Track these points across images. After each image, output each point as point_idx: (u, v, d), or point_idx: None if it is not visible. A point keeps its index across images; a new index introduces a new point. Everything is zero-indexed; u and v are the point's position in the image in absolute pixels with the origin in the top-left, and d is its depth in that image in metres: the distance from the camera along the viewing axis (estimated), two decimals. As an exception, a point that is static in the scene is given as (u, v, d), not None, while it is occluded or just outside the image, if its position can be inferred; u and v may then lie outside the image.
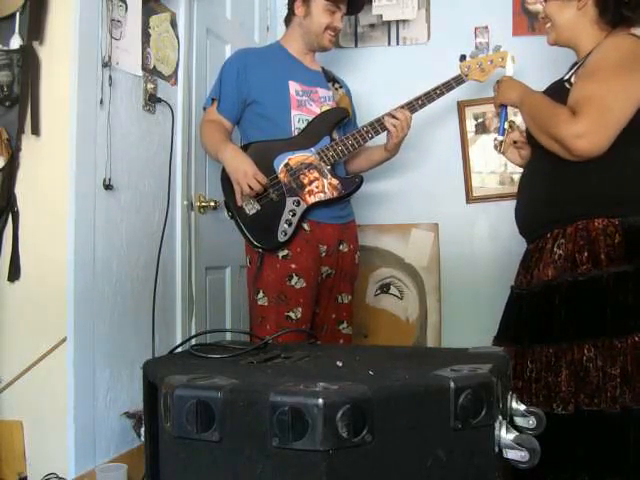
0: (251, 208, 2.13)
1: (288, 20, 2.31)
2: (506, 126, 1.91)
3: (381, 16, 3.01)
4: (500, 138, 1.91)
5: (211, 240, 2.57)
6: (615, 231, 1.58)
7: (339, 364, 1.18)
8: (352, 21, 3.07)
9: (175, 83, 2.37)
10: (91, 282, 1.92)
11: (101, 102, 1.95)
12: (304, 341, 1.80)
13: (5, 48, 1.82)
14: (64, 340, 1.86)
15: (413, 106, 2.19)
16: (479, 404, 1.01)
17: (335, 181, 2.17)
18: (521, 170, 1.91)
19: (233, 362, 1.25)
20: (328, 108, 2.24)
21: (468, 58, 2.25)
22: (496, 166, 2.90)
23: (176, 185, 2.37)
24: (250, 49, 2.36)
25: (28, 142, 1.86)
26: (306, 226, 2.16)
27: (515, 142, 1.92)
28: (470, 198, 2.95)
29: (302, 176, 2.14)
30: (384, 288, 3.00)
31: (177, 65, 2.37)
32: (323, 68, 2.35)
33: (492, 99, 1.97)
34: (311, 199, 2.14)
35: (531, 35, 2.80)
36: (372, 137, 2.21)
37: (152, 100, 2.21)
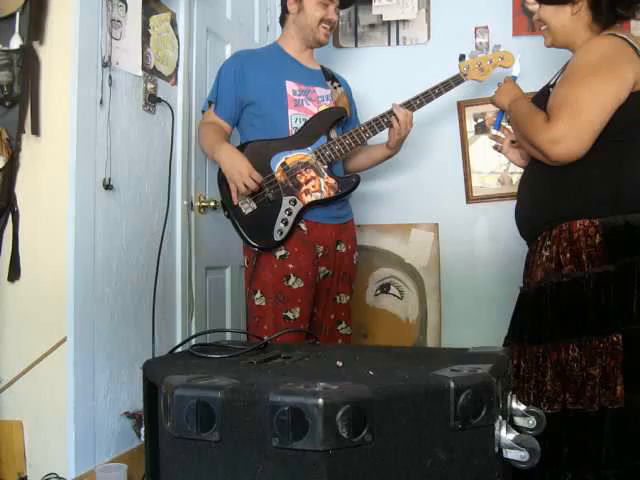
0: (247, 207, 2.13)
1: (283, 19, 2.32)
2: (503, 122, 1.93)
3: (381, 16, 3.01)
4: (494, 132, 1.93)
5: (211, 240, 2.57)
6: (596, 232, 1.59)
7: (339, 364, 1.18)
8: (352, 21, 3.07)
9: (175, 83, 2.37)
10: (91, 282, 1.92)
11: (101, 102, 1.95)
12: (304, 341, 1.80)
13: (5, 48, 1.82)
14: (64, 340, 1.85)
15: (411, 105, 2.19)
16: (479, 404, 1.01)
17: (332, 180, 2.17)
18: (521, 170, 1.92)
19: (233, 362, 1.25)
20: (326, 107, 2.24)
21: (467, 58, 2.25)
22: (496, 166, 2.90)
23: (176, 185, 2.37)
24: (247, 51, 2.37)
25: (28, 142, 1.86)
26: (303, 226, 2.16)
27: (513, 142, 1.93)
28: (470, 198, 2.95)
29: (298, 175, 2.14)
30: (384, 288, 3.00)
31: (177, 65, 2.37)
32: (322, 66, 2.35)
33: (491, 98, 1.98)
34: (307, 198, 2.14)
35: (531, 35, 2.80)
36: (370, 136, 2.21)
37: (152, 100, 2.21)
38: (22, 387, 1.86)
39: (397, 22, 3.02)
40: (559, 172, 1.64)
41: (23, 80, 1.82)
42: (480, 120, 2.93)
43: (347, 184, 2.19)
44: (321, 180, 2.16)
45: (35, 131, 1.84)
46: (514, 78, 1.97)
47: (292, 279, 2.11)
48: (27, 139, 1.86)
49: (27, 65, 1.82)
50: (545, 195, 1.71)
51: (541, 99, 1.73)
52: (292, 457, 0.90)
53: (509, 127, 1.96)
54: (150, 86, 2.20)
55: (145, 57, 2.17)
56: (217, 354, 1.30)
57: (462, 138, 2.95)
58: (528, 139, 1.67)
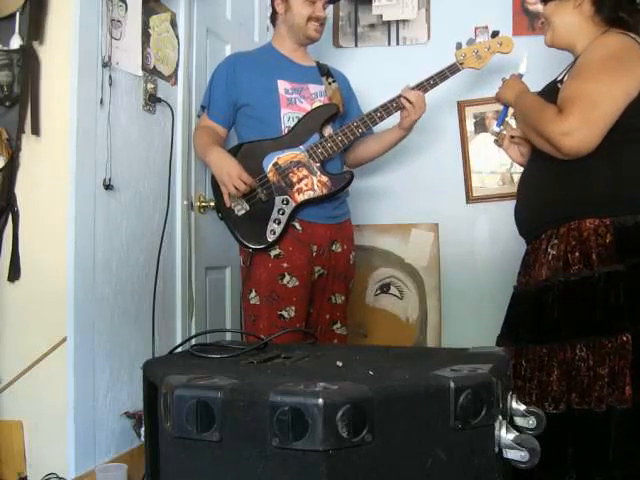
0: (240, 209, 2.13)
1: (273, 19, 2.32)
2: (507, 118, 1.92)
3: (381, 16, 3.01)
4: (497, 129, 1.92)
5: (211, 240, 2.57)
6: (606, 231, 1.59)
7: (339, 364, 1.18)
8: (352, 21, 3.07)
9: (175, 83, 2.37)
10: (91, 282, 1.92)
11: (101, 102, 1.95)
12: (303, 341, 1.80)
13: (5, 48, 1.82)
14: (64, 340, 1.85)
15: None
16: (479, 404, 1.01)
17: (324, 178, 2.16)
18: (521, 170, 1.91)
19: (233, 362, 1.25)
20: (320, 104, 2.23)
21: (464, 45, 2.23)
22: (496, 166, 2.90)
23: (176, 185, 2.37)
24: (240, 53, 2.37)
25: (28, 142, 1.86)
26: (297, 225, 2.16)
27: (513, 137, 1.93)
28: (470, 198, 2.95)
29: (291, 174, 2.14)
30: (384, 288, 3.00)
31: (177, 65, 2.37)
32: (318, 62, 2.34)
33: (492, 99, 1.97)
34: (300, 197, 2.14)
35: (531, 35, 2.80)
36: (362, 132, 2.20)
37: (152, 100, 2.21)
38: (22, 387, 1.86)
39: (397, 22, 3.02)
40: (564, 170, 1.63)
41: (23, 80, 1.82)
42: (480, 120, 2.93)
43: (340, 181, 2.18)
44: (314, 178, 2.15)
45: (35, 131, 1.84)
46: (520, 75, 1.96)
47: (287, 278, 2.11)
48: (27, 139, 1.86)
49: (27, 65, 1.82)
50: (549, 193, 1.70)
51: (548, 94, 1.72)
52: (292, 457, 0.90)
53: (512, 123, 1.95)
54: (150, 86, 2.20)
55: (145, 57, 2.17)
56: (217, 354, 1.30)
57: (462, 138, 2.95)
58: (538, 130, 1.65)
